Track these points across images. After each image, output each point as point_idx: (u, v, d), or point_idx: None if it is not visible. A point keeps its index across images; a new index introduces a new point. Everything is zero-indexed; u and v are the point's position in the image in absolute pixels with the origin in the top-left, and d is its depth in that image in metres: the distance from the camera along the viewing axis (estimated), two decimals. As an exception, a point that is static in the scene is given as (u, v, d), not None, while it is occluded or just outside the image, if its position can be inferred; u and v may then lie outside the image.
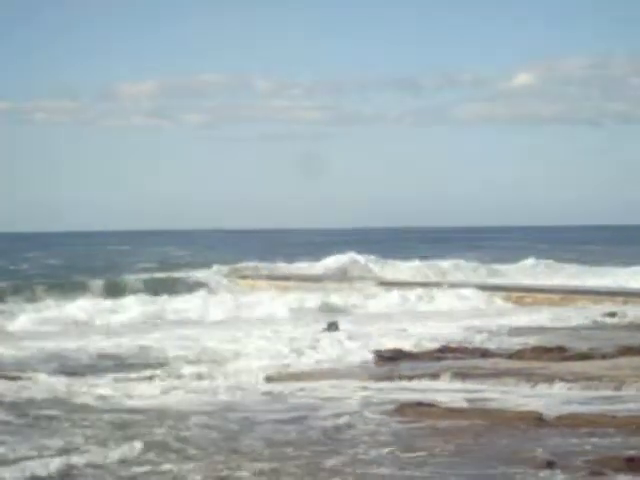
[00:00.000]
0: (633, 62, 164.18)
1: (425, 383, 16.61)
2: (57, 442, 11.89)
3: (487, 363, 18.40)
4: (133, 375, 17.58)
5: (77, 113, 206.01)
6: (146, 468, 10.79)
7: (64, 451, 11.44)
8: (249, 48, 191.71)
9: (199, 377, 17.32)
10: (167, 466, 10.83)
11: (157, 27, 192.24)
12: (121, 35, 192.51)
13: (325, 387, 16.28)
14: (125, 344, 21.69)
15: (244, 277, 42.29)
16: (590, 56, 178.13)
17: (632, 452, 11.12)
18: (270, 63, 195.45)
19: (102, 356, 20.07)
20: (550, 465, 10.79)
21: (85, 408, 14.46)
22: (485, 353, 19.81)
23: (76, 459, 11.03)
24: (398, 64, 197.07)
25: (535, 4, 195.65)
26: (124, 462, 11.04)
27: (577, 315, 28.68)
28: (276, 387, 16.38)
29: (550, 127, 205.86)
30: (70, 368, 18.40)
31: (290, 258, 51.17)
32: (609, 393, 15.38)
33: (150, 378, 17.22)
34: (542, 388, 15.90)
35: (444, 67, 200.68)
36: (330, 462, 11.03)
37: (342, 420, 13.37)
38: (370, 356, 19.41)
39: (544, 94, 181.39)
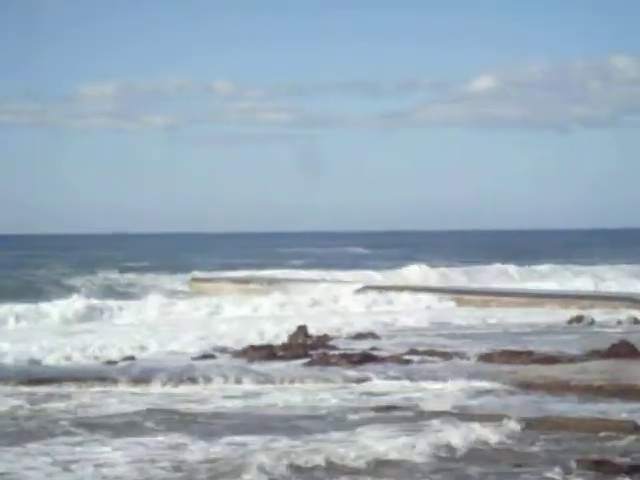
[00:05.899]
0: (593, 66, 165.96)
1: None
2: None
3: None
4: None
5: (39, 115, 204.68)
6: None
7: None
8: (209, 51, 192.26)
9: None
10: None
11: (119, 29, 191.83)
12: (83, 37, 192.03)
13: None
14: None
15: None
16: (550, 60, 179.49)
17: (600, 454, 11.16)
18: (230, 65, 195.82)
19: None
20: (518, 467, 10.81)
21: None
22: (454, 356, 19.78)
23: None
24: (358, 66, 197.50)
25: (494, 8, 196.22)
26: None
27: (545, 319, 28.78)
28: None
29: (511, 130, 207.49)
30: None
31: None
32: (577, 396, 15.42)
33: None
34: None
35: (405, 70, 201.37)
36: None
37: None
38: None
39: (505, 97, 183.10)
